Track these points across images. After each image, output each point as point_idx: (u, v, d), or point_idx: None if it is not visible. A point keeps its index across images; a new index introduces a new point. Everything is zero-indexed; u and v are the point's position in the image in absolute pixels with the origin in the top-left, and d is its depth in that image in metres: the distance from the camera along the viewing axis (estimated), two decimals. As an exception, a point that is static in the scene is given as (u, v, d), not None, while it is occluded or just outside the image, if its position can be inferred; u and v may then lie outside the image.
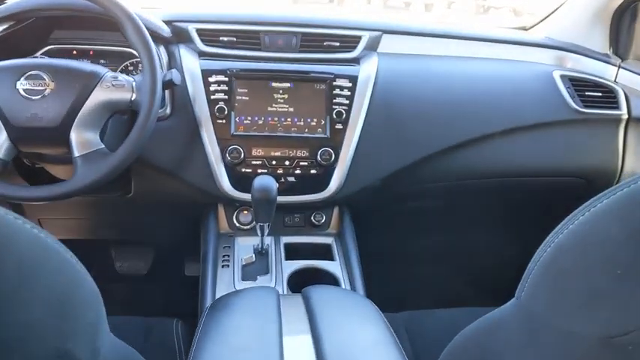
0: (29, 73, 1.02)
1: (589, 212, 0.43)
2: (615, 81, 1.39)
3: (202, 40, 1.26)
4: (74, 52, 1.27)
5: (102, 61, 1.29)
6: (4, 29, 1.18)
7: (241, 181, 1.21)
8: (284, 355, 0.67)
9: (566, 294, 0.42)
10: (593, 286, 0.40)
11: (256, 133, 1.22)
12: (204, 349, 0.68)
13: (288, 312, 0.78)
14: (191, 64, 1.23)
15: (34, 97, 1.01)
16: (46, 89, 1.02)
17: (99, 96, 1.04)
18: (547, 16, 1.64)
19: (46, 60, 1.11)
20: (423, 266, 1.68)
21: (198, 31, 1.26)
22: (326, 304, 0.80)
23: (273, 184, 1.06)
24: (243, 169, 1.21)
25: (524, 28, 1.73)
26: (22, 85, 1.01)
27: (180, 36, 1.27)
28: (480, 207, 1.53)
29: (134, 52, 1.13)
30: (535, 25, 1.69)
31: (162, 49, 1.24)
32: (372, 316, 0.77)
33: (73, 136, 1.03)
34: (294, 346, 0.70)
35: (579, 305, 0.41)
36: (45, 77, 1.02)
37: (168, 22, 1.28)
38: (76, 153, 1.03)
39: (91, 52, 1.28)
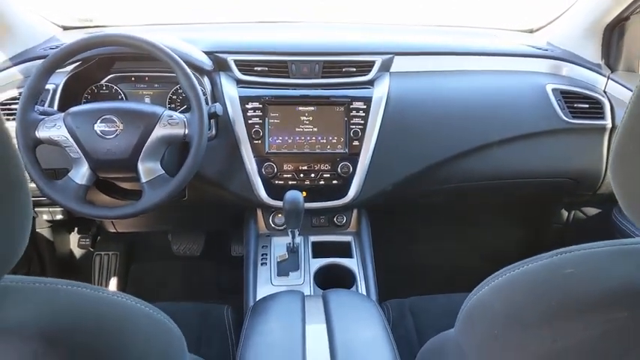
0: (103, 117, 1.28)
1: (493, 283, 0.65)
2: (604, 91, 1.55)
3: (240, 70, 1.47)
4: (132, 78, 1.51)
5: (156, 85, 1.52)
6: (77, 65, 1.44)
7: (275, 191, 1.45)
8: (306, 349, 0.93)
9: (473, 335, 0.66)
10: (485, 336, 0.63)
11: (286, 151, 1.45)
12: (248, 346, 0.95)
13: (311, 314, 1.04)
14: (231, 91, 1.45)
15: (108, 137, 1.27)
16: (117, 130, 1.27)
17: (158, 132, 1.29)
18: (551, 22, 1.78)
19: (116, 104, 1.35)
20: (431, 252, 1.92)
21: (236, 62, 1.48)
22: (340, 308, 1.05)
23: (301, 198, 1.30)
24: (277, 182, 1.46)
25: (531, 31, 1.88)
26: (98, 127, 1.27)
27: (220, 65, 1.49)
28: (483, 202, 1.74)
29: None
30: (540, 29, 1.84)
31: (206, 79, 1.46)
32: (375, 320, 1.03)
33: (140, 166, 1.29)
34: (314, 342, 0.96)
35: (478, 342, 0.65)
36: (116, 120, 1.28)
37: (209, 53, 1.49)
38: (143, 179, 1.29)
39: (147, 78, 1.51)
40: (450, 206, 1.83)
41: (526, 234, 2.00)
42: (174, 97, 1.51)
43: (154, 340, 0.62)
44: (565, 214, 1.87)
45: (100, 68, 1.47)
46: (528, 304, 0.60)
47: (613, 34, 1.57)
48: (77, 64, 1.43)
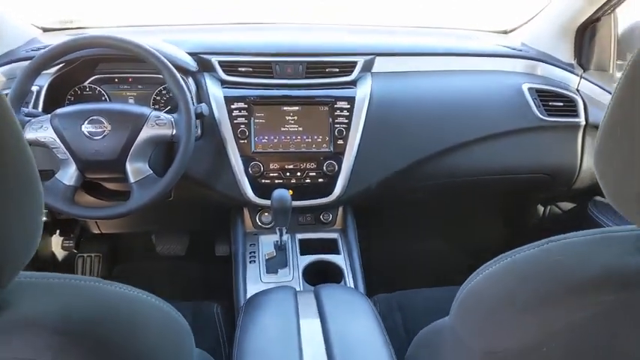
0: (91, 117, 1.28)
1: (486, 272, 0.69)
2: (577, 89, 1.62)
3: (224, 71, 1.49)
4: (116, 80, 1.50)
5: (139, 86, 1.52)
6: (61, 67, 1.43)
7: (262, 190, 1.47)
8: (302, 343, 0.95)
9: (469, 321, 0.70)
10: (480, 322, 0.67)
11: (272, 150, 1.47)
12: (246, 341, 0.97)
13: (304, 309, 1.06)
14: (216, 92, 1.47)
15: (96, 138, 1.28)
16: (105, 130, 1.28)
17: (146, 133, 1.30)
18: (525, 23, 1.84)
19: (103, 105, 1.36)
20: (416, 248, 1.97)
21: (220, 62, 1.49)
22: (332, 301, 1.08)
23: (288, 196, 1.33)
24: (263, 181, 1.47)
25: (505, 32, 1.94)
26: (86, 128, 1.27)
27: (204, 66, 1.50)
28: (466, 197, 1.79)
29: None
30: (515, 30, 1.90)
31: (190, 80, 1.47)
32: (366, 312, 1.06)
33: (128, 166, 1.30)
34: (309, 335, 0.98)
35: (473, 328, 0.68)
36: (103, 120, 1.28)
37: (193, 54, 1.50)
38: (132, 180, 1.30)
39: (130, 79, 1.51)
40: (433, 203, 1.87)
41: (505, 229, 2.06)
42: (158, 97, 1.51)
43: (166, 332, 0.64)
44: (541, 209, 1.93)
45: (83, 70, 1.47)
46: (520, 289, 0.64)
47: (585, 34, 1.63)
48: (61, 65, 1.43)
